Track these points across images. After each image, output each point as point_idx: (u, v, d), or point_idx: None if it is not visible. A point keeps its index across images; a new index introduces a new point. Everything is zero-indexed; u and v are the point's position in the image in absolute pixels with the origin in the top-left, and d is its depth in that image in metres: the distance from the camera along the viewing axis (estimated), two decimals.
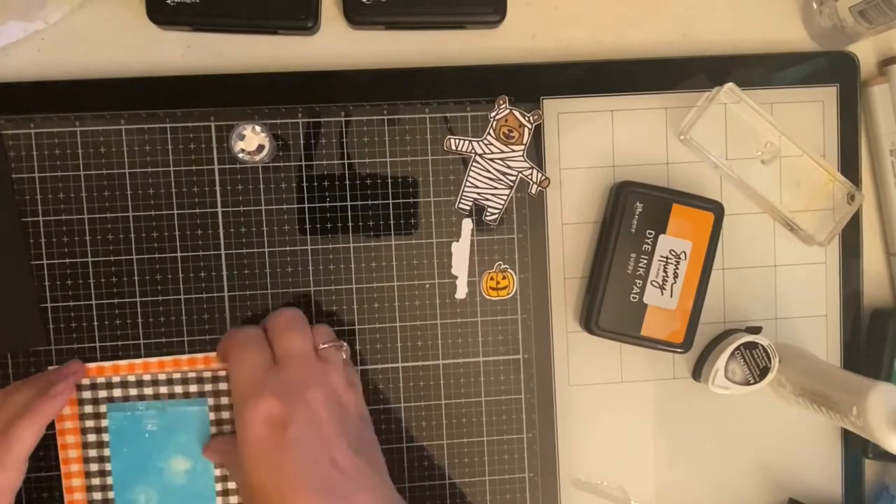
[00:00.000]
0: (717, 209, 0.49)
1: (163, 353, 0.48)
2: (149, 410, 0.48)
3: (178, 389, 0.48)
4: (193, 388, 0.48)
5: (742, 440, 0.52)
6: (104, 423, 0.48)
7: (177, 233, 0.48)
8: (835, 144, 0.52)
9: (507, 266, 0.50)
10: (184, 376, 0.48)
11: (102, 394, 0.48)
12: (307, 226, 0.49)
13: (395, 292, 0.49)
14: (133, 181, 0.48)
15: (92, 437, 0.48)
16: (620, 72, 0.50)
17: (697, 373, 0.51)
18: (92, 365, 0.48)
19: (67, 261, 0.48)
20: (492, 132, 0.49)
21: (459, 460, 0.50)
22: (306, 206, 0.49)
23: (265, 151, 0.46)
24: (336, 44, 0.49)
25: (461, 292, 0.50)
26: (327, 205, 0.49)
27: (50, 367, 0.48)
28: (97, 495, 0.48)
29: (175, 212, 0.48)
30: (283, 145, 0.48)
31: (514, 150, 0.49)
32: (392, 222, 0.49)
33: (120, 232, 0.48)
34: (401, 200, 0.49)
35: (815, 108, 0.51)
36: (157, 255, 0.48)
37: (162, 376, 0.48)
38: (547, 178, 0.50)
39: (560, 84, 0.50)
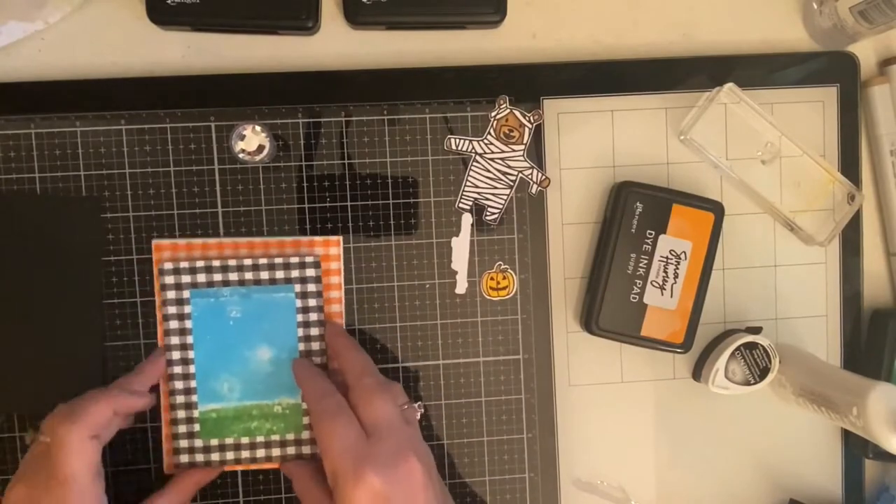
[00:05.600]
0: (717, 209, 0.49)
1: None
2: (233, 297, 0.46)
3: (265, 276, 0.47)
4: (280, 275, 0.47)
5: (742, 440, 0.52)
6: (187, 309, 0.46)
7: (177, 233, 0.48)
8: (835, 144, 0.52)
9: (507, 266, 0.50)
10: (270, 261, 0.46)
11: (186, 279, 0.46)
12: (307, 226, 0.49)
13: (395, 292, 0.49)
14: (133, 181, 0.48)
15: (174, 325, 0.46)
16: (620, 72, 0.50)
17: (697, 373, 0.51)
18: (165, 241, 0.47)
19: None
20: (492, 132, 0.49)
21: (459, 460, 0.50)
22: (306, 206, 0.49)
23: (265, 151, 0.46)
24: (336, 44, 0.49)
25: (461, 287, 0.50)
26: (327, 205, 0.49)
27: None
28: (179, 384, 0.46)
29: (175, 212, 0.48)
30: (283, 145, 0.48)
31: (514, 150, 0.49)
32: (392, 222, 0.49)
33: (120, 232, 0.48)
34: (401, 200, 0.49)
35: (815, 108, 0.51)
36: None
37: (247, 261, 0.46)
38: (547, 177, 0.50)
39: (560, 84, 0.50)
